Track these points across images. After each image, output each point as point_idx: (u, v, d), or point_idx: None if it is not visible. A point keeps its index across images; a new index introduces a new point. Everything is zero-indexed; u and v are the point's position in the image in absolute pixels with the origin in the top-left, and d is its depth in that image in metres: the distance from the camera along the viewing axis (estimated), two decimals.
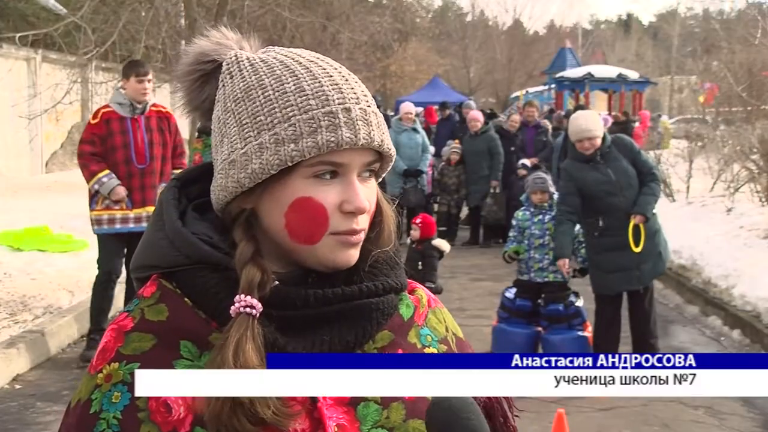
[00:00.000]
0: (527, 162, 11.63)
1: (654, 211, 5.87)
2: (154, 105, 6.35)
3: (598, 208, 5.83)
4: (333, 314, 1.11)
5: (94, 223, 6.22)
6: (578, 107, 14.16)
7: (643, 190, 5.79)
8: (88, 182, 6.13)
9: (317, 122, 1.07)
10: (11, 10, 17.64)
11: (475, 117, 12.15)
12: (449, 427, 1.00)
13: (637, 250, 5.75)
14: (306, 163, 1.07)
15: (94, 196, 6.17)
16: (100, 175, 6.05)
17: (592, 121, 5.86)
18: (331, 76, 1.10)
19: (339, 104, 1.08)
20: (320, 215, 1.09)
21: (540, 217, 6.27)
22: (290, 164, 1.07)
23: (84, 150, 6.16)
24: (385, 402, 1.11)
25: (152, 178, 6.21)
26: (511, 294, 6.29)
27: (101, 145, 6.11)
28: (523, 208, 6.44)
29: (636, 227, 5.76)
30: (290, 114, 1.08)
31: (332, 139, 1.06)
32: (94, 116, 6.22)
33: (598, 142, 5.78)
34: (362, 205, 1.09)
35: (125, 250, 6.25)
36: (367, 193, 1.12)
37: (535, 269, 6.21)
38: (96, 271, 6.35)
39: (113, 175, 6.07)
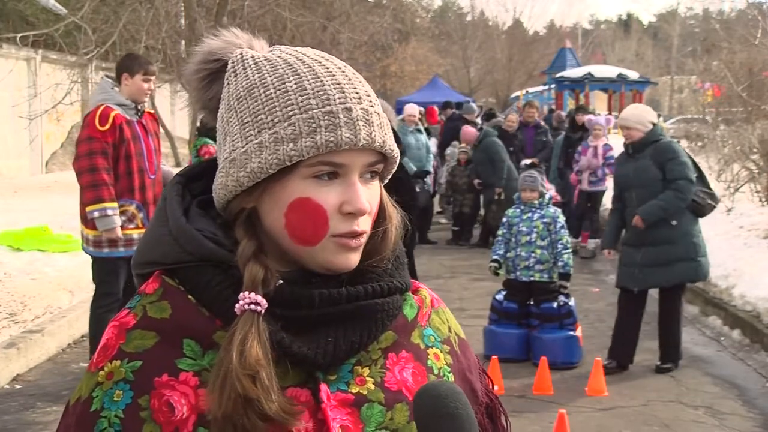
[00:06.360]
0: (529, 162, 11.61)
1: (674, 222, 5.91)
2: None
3: (622, 200, 6.11)
4: (338, 315, 1.09)
5: (92, 244, 5.40)
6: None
7: (658, 196, 5.84)
8: (89, 203, 5.27)
9: (317, 122, 1.05)
10: (11, 10, 17.63)
11: (467, 137, 12.06)
12: (435, 416, 0.98)
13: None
14: (305, 163, 1.06)
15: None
16: (108, 205, 5.25)
17: (631, 113, 6.05)
18: (333, 75, 1.08)
19: (340, 104, 1.06)
20: (320, 216, 1.07)
21: (529, 215, 6.39)
22: (289, 164, 1.05)
23: (98, 164, 5.25)
24: (389, 403, 1.10)
25: (159, 189, 5.53)
26: (501, 296, 6.43)
27: (113, 154, 5.32)
28: (514, 206, 6.59)
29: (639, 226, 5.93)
30: (290, 113, 1.06)
31: (331, 139, 1.04)
32: (103, 120, 5.27)
33: (634, 134, 5.90)
34: (363, 207, 1.07)
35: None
36: (369, 194, 1.09)
37: (520, 267, 6.33)
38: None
39: (118, 210, 5.31)
